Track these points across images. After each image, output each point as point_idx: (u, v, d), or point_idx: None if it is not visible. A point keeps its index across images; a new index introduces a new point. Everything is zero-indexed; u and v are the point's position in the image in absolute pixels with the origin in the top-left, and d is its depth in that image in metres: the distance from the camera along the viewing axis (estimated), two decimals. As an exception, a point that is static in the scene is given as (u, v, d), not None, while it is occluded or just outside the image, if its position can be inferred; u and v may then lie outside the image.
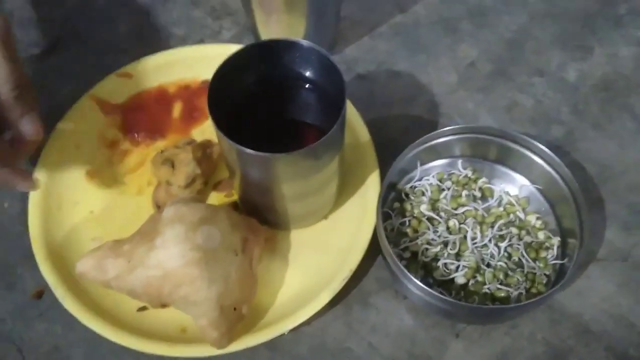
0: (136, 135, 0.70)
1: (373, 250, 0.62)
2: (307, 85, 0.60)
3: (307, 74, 0.59)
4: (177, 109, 0.72)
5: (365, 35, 0.80)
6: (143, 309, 0.61)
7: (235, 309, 0.57)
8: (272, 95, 0.62)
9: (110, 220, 0.66)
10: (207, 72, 0.62)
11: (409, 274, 0.57)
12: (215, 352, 0.57)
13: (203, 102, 0.71)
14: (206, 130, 0.71)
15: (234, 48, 0.56)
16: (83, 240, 0.64)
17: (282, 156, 0.52)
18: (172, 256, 0.54)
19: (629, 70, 0.77)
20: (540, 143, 0.63)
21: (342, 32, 0.80)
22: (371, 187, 0.66)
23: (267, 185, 0.58)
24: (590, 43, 0.79)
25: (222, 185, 0.68)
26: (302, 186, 0.58)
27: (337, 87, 0.55)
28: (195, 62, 0.73)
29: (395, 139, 0.69)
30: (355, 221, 0.65)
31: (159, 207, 0.66)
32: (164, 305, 0.59)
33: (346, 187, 0.67)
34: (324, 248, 0.64)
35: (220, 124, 0.53)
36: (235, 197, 0.67)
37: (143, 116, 0.71)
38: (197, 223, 0.55)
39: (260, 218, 0.64)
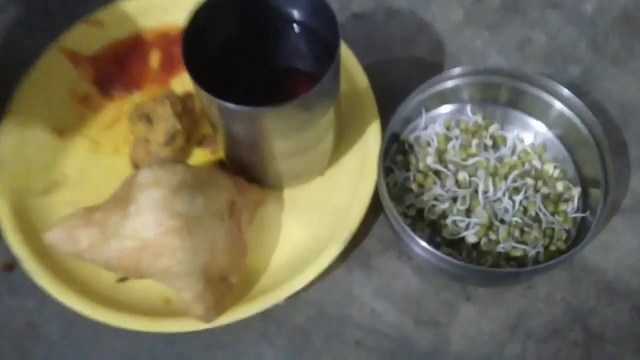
0: (110, 89, 0.64)
1: (375, 207, 0.57)
2: (295, 27, 0.55)
3: (295, 14, 0.54)
4: (155, 59, 0.66)
5: (360, -30, 0.73)
6: (123, 279, 0.56)
7: (223, 278, 0.53)
8: (256, 41, 0.56)
9: (84, 183, 0.60)
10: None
11: (413, 234, 0.51)
12: (203, 326, 0.52)
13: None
14: (187, 81, 0.63)
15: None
16: (55, 206, 0.59)
17: (270, 110, 0.47)
18: (148, 225, 0.48)
19: (654, 0, 0.70)
20: (556, 83, 0.57)
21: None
22: (371, 139, 0.60)
23: (255, 143, 0.53)
24: (609, -29, 0.72)
25: (207, 141, 0.63)
26: (295, 142, 0.53)
27: (330, 29, 0.49)
28: (175, 5, 0.65)
29: (397, 84, 0.63)
30: (354, 177, 0.59)
31: (137, 166, 0.60)
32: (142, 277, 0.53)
33: (344, 140, 0.61)
34: (321, 207, 0.59)
35: (197, 76, 0.47)
36: (222, 153, 0.61)
37: (117, 67, 0.65)
38: (177, 187, 0.50)
39: (249, 177, 0.58)
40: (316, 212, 0.59)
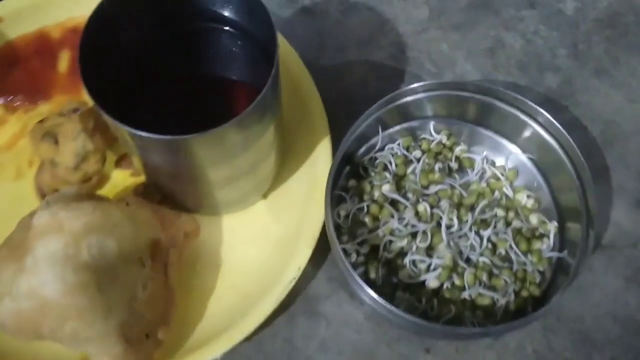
0: (10, 99, 0.55)
1: (324, 241, 0.48)
2: (226, 29, 0.47)
3: (226, 13, 0.46)
4: (63, 61, 0.57)
5: (312, -44, 0.64)
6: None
7: (147, 335, 0.44)
8: (180, 46, 0.47)
9: None
10: None
11: (362, 282, 0.44)
12: None
13: None
14: None
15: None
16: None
17: (195, 138, 0.39)
18: (47, 282, 0.40)
19: (642, 1, 0.63)
20: (530, 100, 0.50)
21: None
22: (321, 158, 0.52)
23: (180, 173, 0.44)
24: (592, -36, 0.64)
25: (127, 161, 0.54)
26: (230, 168, 0.45)
27: (267, 30, 0.42)
28: None
29: (351, 93, 0.57)
30: (302, 201, 0.52)
31: (43, 194, 0.51)
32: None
33: (290, 159, 0.54)
34: (264, 238, 0.52)
35: (100, 94, 0.39)
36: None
37: (18, 72, 0.56)
38: (82, 232, 0.41)
39: (178, 204, 0.50)
40: (259, 244, 0.52)
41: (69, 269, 0.40)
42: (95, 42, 0.41)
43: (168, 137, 0.38)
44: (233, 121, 0.39)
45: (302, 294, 0.50)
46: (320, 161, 0.52)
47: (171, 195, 0.50)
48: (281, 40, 0.54)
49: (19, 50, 0.56)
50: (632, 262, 0.52)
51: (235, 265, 0.51)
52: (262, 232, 0.52)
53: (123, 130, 0.38)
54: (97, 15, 0.40)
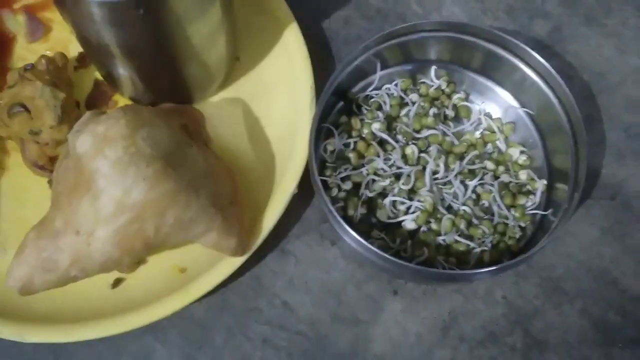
0: None
1: (304, 177, 0.48)
2: None
3: None
4: None
5: None
6: (118, 282, 0.47)
7: (231, 202, 0.46)
8: None
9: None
10: None
11: (342, 221, 0.43)
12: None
13: None
14: (33, 50, 0.53)
15: None
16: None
17: None
18: (129, 188, 0.39)
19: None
20: (542, 58, 0.48)
21: None
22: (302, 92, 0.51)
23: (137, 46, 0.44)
24: None
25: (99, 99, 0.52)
26: (183, 39, 0.44)
27: None
28: None
29: (333, 32, 0.54)
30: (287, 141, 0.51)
31: (41, 167, 0.49)
32: (139, 262, 0.48)
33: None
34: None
35: None
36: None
37: None
38: (129, 131, 0.40)
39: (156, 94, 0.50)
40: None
41: (142, 165, 0.39)
42: None
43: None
44: None
45: (272, 231, 0.49)
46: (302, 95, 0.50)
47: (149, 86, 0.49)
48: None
49: None
50: (609, 214, 0.51)
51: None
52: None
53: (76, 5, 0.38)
54: None
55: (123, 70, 0.47)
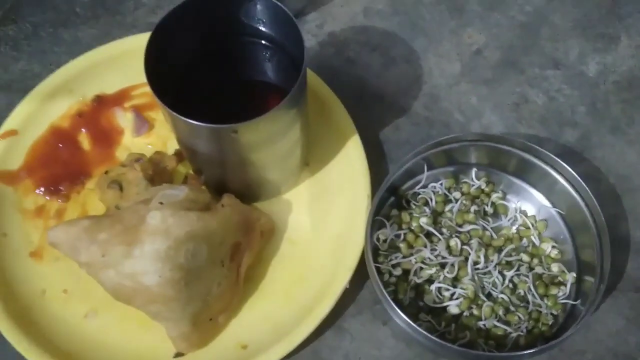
0: (61, 189, 0.61)
1: (359, 263, 0.55)
2: (263, 44, 0.55)
3: (262, 28, 0.53)
4: (84, 141, 0.63)
5: (359, 14, 0.71)
6: (178, 355, 0.54)
7: (211, 319, 0.53)
8: (224, 56, 0.55)
9: (91, 287, 0.53)
10: (91, 87, 0.64)
11: (393, 304, 0.50)
12: None
13: (105, 119, 0.63)
14: (136, 143, 0.62)
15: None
16: (77, 316, 0.56)
17: (238, 126, 0.47)
18: (147, 272, 0.48)
19: (658, 66, 0.68)
20: (567, 165, 0.55)
21: (332, 10, 0.71)
22: (360, 193, 0.58)
23: (225, 159, 0.53)
24: (615, 31, 0.70)
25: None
26: (266, 154, 0.53)
27: (297, 45, 0.49)
28: (75, 82, 0.64)
29: (385, 136, 0.62)
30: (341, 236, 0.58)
31: None
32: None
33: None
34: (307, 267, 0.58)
35: (164, 98, 0.46)
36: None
37: (54, 166, 0.61)
38: (184, 239, 0.49)
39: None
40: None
41: (168, 267, 0.48)
42: (155, 52, 0.48)
43: (218, 125, 0.46)
44: (267, 114, 0.46)
45: (330, 311, 0.56)
46: (359, 199, 0.58)
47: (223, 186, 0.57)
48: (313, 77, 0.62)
49: (43, 148, 0.62)
50: (634, 305, 0.56)
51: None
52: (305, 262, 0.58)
53: (181, 123, 0.46)
54: (156, 32, 0.48)
55: (211, 171, 0.56)
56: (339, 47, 0.69)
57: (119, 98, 0.64)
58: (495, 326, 0.53)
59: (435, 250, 0.56)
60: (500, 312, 0.53)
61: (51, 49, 0.69)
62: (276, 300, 0.56)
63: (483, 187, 0.59)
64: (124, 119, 0.63)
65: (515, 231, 0.58)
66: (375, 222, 0.57)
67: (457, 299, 0.54)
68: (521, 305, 0.54)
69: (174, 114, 0.45)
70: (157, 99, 0.46)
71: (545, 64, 0.68)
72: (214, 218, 0.52)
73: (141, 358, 0.54)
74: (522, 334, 0.53)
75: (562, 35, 0.70)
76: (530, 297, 0.54)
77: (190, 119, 0.45)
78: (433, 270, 0.55)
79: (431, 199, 0.58)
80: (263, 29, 0.53)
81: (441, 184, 0.59)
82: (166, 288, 0.48)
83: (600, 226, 0.54)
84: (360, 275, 0.55)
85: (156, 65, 0.48)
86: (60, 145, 0.62)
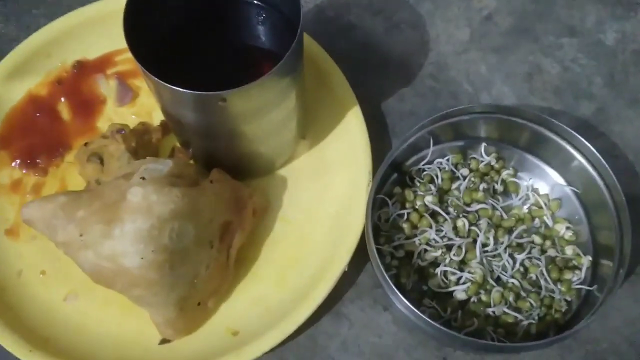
0: (38, 162, 0.57)
1: (359, 244, 0.51)
2: (255, 3, 0.50)
3: None
4: (64, 110, 0.59)
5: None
6: (165, 340, 0.51)
7: (199, 304, 0.50)
8: (215, 17, 0.51)
9: (71, 268, 0.49)
10: (71, 52, 0.60)
11: (395, 288, 0.46)
12: None
13: (86, 87, 0.59)
14: (120, 113, 0.58)
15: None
16: (56, 299, 0.53)
17: (227, 93, 0.42)
18: (128, 254, 0.45)
19: (681, 34, 0.64)
20: (584, 139, 0.51)
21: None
22: (360, 170, 0.55)
23: (212, 130, 0.49)
24: (635, -3, 0.66)
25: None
26: (256, 126, 0.49)
27: (294, 10, 0.45)
28: (54, 46, 0.59)
29: (389, 107, 0.59)
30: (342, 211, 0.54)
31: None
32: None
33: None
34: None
35: (144, 61, 0.42)
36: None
37: (31, 137, 0.58)
38: (168, 218, 0.45)
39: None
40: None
41: (150, 248, 0.44)
42: (137, 13, 0.44)
43: (205, 93, 0.42)
44: (258, 81, 0.42)
45: (328, 295, 0.52)
46: (360, 169, 0.54)
47: (213, 161, 0.53)
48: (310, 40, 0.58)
49: (20, 118, 0.58)
50: (653, 290, 0.53)
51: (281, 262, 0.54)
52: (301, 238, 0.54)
53: (165, 90, 0.42)
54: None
55: (199, 144, 0.52)
56: (338, 10, 0.64)
57: (102, 64, 0.60)
58: (505, 313, 0.49)
59: (441, 231, 0.52)
60: (511, 298, 0.50)
61: (29, 10, 0.65)
62: (269, 284, 0.52)
63: (493, 163, 0.55)
64: (106, 86, 0.59)
65: (526, 211, 0.54)
66: (377, 201, 0.53)
67: (464, 283, 0.50)
68: (533, 290, 0.51)
69: (156, 79, 0.41)
70: (136, 62, 0.42)
71: (560, 31, 0.64)
72: (201, 195, 0.48)
73: (125, 344, 0.51)
74: (533, 321, 0.49)
75: (578, 1, 0.65)
76: (542, 282, 0.51)
77: (175, 86, 0.41)
78: (438, 253, 0.51)
79: (437, 176, 0.54)
80: None
81: (448, 160, 0.55)
82: (149, 271, 0.45)
83: (619, 205, 0.50)
84: (360, 258, 0.52)
85: (138, 26, 0.43)
86: (38, 115, 0.58)
